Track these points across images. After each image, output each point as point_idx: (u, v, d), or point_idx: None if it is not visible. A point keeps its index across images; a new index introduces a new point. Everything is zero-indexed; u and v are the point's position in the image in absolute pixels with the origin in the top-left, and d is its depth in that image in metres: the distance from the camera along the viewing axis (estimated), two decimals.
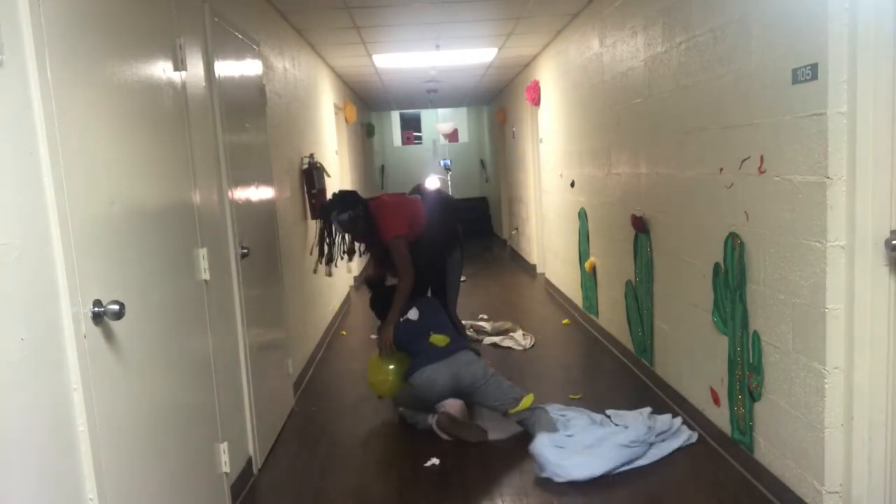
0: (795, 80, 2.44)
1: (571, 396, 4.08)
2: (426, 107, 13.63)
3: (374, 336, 4.16)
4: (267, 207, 3.89)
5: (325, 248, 4.08)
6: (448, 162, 8.96)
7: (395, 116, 15.02)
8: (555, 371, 4.67)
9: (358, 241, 4.17)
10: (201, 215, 2.74)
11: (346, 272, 7.57)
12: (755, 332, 2.85)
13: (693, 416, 3.53)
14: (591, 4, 4.99)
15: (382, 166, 14.40)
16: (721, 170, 3.04)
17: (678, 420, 3.45)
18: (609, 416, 3.53)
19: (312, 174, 5.21)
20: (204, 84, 2.93)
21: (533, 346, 5.25)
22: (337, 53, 6.53)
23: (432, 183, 9.58)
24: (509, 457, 3.30)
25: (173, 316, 2.41)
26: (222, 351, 2.93)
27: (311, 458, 3.44)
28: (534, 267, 8.45)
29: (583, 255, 5.68)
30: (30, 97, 1.63)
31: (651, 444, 3.22)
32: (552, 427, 3.33)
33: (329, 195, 5.41)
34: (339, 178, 7.27)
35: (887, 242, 2.27)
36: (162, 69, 2.44)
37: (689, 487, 2.94)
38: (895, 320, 2.33)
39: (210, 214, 2.89)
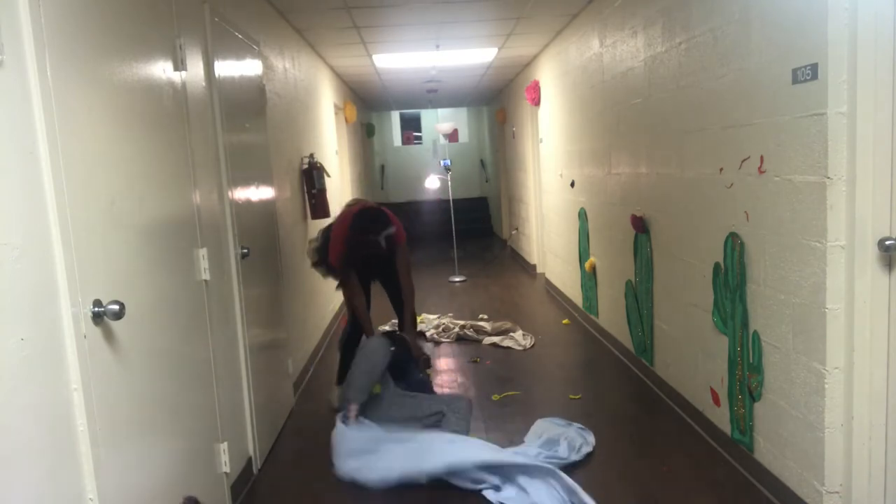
0: (795, 80, 2.44)
1: (571, 396, 4.08)
2: (426, 107, 13.63)
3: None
4: (267, 207, 3.89)
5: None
6: (448, 162, 8.93)
7: (395, 116, 15.03)
8: (555, 371, 4.67)
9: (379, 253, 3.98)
10: (201, 215, 2.74)
11: None
12: (755, 332, 2.85)
13: (693, 416, 3.53)
14: (591, 4, 4.99)
15: (382, 166, 14.41)
16: (721, 170, 3.04)
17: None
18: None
19: (312, 174, 5.21)
20: (204, 84, 2.92)
21: (533, 346, 5.25)
22: (337, 53, 6.53)
23: (432, 183, 9.59)
24: None
25: (173, 316, 2.41)
26: (222, 351, 2.93)
27: (311, 458, 3.44)
28: (534, 267, 8.45)
29: (583, 255, 5.68)
30: (30, 97, 1.63)
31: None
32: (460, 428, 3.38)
33: (326, 195, 5.42)
34: (339, 178, 7.27)
35: (880, 243, 2.28)
36: (162, 69, 2.44)
37: (689, 487, 2.94)
38: (895, 320, 2.33)
39: (210, 214, 2.88)
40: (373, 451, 3.13)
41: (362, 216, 3.84)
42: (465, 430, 3.44)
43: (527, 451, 3.19)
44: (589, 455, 3.26)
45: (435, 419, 3.49)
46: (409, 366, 3.82)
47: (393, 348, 3.78)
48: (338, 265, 3.95)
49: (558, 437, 3.30)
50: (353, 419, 3.31)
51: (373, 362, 3.37)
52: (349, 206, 4.26)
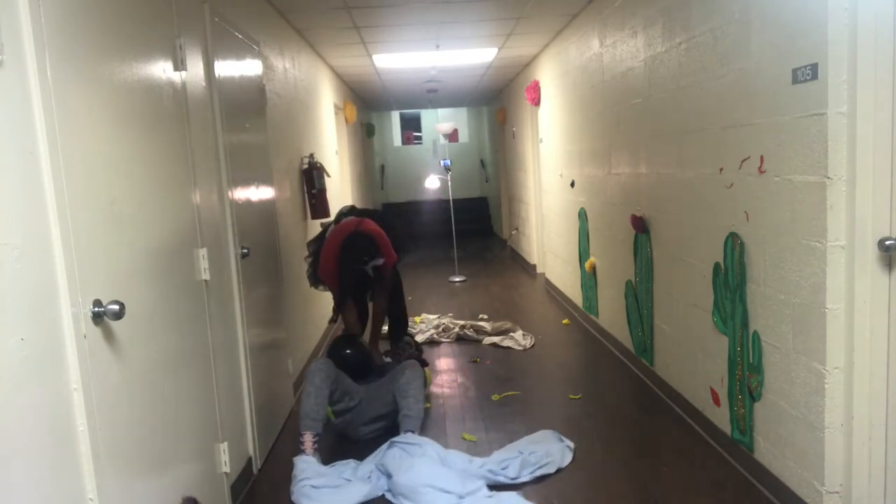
0: (795, 80, 2.44)
1: (571, 396, 4.08)
2: (426, 107, 13.63)
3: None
4: (267, 207, 3.89)
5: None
6: (448, 162, 8.94)
7: (395, 116, 15.03)
8: (555, 371, 4.67)
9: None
10: (201, 215, 2.74)
11: None
12: (755, 332, 2.85)
13: (693, 416, 3.53)
14: (591, 4, 4.99)
15: (382, 166, 14.42)
16: (721, 170, 3.04)
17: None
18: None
19: (312, 174, 5.21)
20: (204, 84, 2.93)
21: (533, 346, 5.25)
22: (337, 53, 6.53)
23: (432, 183, 9.59)
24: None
25: (173, 316, 2.41)
26: (222, 351, 2.93)
27: None
28: (534, 267, 8.45)
29: (583, 255, 5.68)
30: (30, 97, 1.63)
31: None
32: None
33: (326, 195, 5.41)
34: (339, 178, 7.27)
35: (880, 243, 2.28)
36: (162, 69, 2.44)
37: (689, 487, 2.94)
38: (895, 320, 2.33)
39: (210, 214, 2.89)
40: (333, 485, 3.04)
41: (352, 247, 3.88)
42: (419, 411, 3.47)
43: (472, 462, 3.13)
44: (542, 477, 3.06)
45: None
46: (366, 365, 3.85)
47: (349, 351, 3.81)
48: (328, 283, 4.10)
49: (518, 455, 3.15)
50: (309, 450, 3.24)
51: (315, 385, 3.35)
52: (343, 215, 4.22)
